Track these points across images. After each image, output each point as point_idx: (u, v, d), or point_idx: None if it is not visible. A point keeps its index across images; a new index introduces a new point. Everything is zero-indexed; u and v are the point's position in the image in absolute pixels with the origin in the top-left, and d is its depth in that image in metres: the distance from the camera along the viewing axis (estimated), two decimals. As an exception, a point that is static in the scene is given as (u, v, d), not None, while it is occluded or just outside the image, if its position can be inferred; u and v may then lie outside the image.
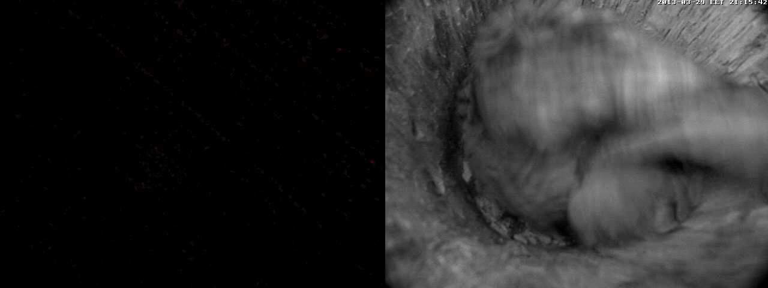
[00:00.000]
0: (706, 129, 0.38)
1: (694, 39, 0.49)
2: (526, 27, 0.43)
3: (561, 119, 0.40)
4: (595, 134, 0.42)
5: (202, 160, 0.46)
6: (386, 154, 0.42)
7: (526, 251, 0.45)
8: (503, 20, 0.44)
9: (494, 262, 0.42)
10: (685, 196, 0.43)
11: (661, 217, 0.43)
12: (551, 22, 0.42)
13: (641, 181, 0.42)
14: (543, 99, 0.40)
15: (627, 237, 0.43)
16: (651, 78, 0.39)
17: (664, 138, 0.39)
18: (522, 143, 0.42)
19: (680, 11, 0.49)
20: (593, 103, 0.39)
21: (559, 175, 0.43)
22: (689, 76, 0.40)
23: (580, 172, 0.43)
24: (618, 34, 0.41)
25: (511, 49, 0.42)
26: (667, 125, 0.39)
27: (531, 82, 0.41)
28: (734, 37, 0.47)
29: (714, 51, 0.48)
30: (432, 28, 0.46)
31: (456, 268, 0.40)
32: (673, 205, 0.44)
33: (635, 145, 0.40)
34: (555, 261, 0.43)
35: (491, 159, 0.47)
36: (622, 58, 0.40)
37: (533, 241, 0.51)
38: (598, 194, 0.42)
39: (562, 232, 0.48)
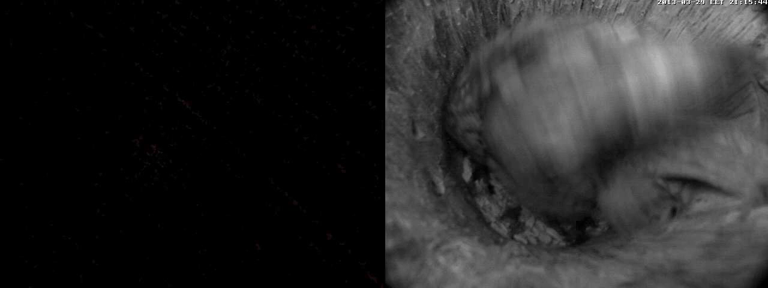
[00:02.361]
0: (724, 171, 0.42)
1: (693, 39, 0.49)
2: (501, 68, 0.43)
3: (576, 150, 0.42)
4: (611, 156, 0.44)
5: (202, 159, 0.46)
6: (386, 154, 0.42)
7: (526, 251, 0.45)
8: (477, 59, 0.46)
9: (494, 262, 0.42)
10: (681, 197, 0.45)
11: (665, 215, 0.44)
12: (529, 56, 0.42)
13: (652, 189, 0.45)
14: (553, 129, 0.42)
15: (640, 228, 0.46)
16: (656, 81, 0.39)
17: (687, 171, 0.42)
18: (543, 177, 0.45)
19: (680, 11, 0.49)
20: (606, 129, 0.41)
21: (581, 185, 0.47)
22: (690, 64, 0.40)
23: (605, 180, 0.46)
24: (604, 33, 0.42)
25: (495, 97, 0.43)
26: (682, 150, 0.42)
27: (535, 117, 0.42)
28: (734, 37, 0.47)
29: (714, 51, 0.48)
30: (432, 28, 0.46)
31: (456, 268, 0.40)
32: (674, 198, 0.44)
33: (654, 166, 0.43)
34: (555, 261, 0.43)
35: (510, 185, 0.50)
36: (618, 62, 0.40)
37: (533, 241, 0.51)
38: (619, 197, 0.46)
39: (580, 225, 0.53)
